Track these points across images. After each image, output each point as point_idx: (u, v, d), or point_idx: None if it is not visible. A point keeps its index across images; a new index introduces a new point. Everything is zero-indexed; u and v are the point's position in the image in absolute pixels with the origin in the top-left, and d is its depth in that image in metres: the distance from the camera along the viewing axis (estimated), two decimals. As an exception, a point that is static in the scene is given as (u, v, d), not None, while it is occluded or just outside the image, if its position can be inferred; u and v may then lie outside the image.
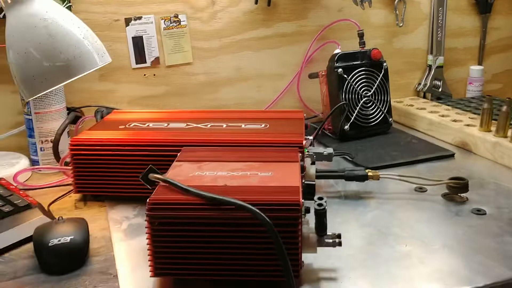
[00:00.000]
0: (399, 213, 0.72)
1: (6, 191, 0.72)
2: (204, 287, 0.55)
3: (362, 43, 1.07)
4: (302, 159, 0.72)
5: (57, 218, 0.67)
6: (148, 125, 0.84)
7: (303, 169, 0.68)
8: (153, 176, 0.59)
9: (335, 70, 1.01)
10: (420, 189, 0.79)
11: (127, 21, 0.98)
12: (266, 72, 1.11)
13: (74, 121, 0.93)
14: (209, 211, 0.52)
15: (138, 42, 0.99)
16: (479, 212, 0.71)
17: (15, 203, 0.69)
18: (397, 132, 1.07)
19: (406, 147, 0.98)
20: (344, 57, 1.02)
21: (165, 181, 0.57)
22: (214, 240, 0.53)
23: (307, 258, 0.59)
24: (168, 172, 0.62)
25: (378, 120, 1.05)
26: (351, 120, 1.02)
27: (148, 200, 0.54)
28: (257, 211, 0.50)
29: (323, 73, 1.05)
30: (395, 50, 1.21)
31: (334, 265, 0.59)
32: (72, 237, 0.60)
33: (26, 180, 0.87)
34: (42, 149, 0.90)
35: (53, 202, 0.78)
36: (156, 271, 0.55)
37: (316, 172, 0.78)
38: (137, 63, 1.01)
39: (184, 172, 0.62)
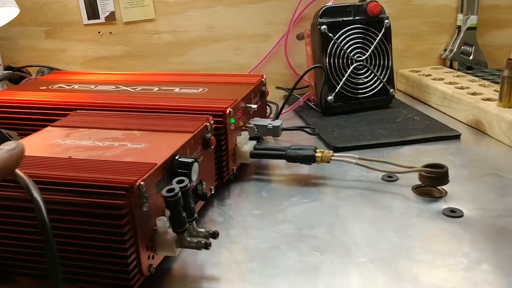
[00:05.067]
0: (342, 208, 0.54)
1: None
2: None
3: (363, -4, 0.87)
4: (223, 131, 0.56)
5: None
6: (72, 87, 0.72)
7: (208, 143, 0.52)
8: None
9: (318, 27, 0.82)
10: (389, 178, 0.60)
11: (75, -31, 0.86)
12: (246, 32, 0.94)
13: (18, 81, 0.83)
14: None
15: (89, -6, 0.87)
16: (453, 214, 0.51)
17: None
18: (400, 107, 0.86)
19: (401, 124, 0.77)
20: (331, 11, 0.83)
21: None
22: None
23: (173, 261, 0.44)
24: (28, 137, 0.50)
25: (374, 91, 0.85)
26: (337, 90, 0.83)
27: None
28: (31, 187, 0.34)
29: (308, 32, 0.86)
30: (415, 7, 0.98)
31: (206, 273, 0.43)
32: None
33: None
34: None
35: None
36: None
37: (254, 149, 0.62)
38: (89, 18, 0.88)
39: (45, 139, 0.50)
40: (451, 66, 1.01)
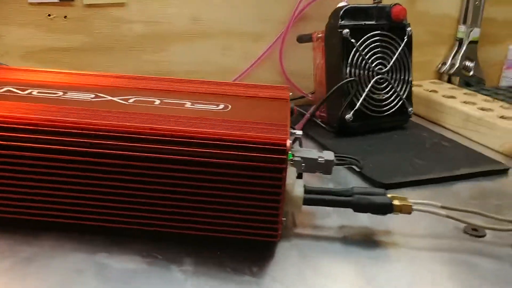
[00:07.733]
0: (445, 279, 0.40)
1: None
2: None
3: (378, -3, 0.74)
4: (282, 173, 0.40)
5: None
6: (30, 92, 0.51)
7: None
8: None
9: (340, 30, 0.68)
10: (475, 232, 0.48)
11: None
12: (237, 29, 0.77)
13: None
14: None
15: (39, -38, 0.64)
16: None
17: None
18: (417, 128, 0.76)
19: (435, 152, 0.66)
20: (353, 12, 0.69)
21: None
22: None
23: None
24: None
25: (393, 109, 0.73)
26: (356, 107, 0.69)
27: None
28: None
29: (320, 34, 0.72)
30: (417, 15, 0.88)
31: None
32: None
33: None
34: None
35: None
36: None
37: (305, 192, 0.46)
38: (37, -5, 0.65)
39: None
40: (449, 81, 0.93)
